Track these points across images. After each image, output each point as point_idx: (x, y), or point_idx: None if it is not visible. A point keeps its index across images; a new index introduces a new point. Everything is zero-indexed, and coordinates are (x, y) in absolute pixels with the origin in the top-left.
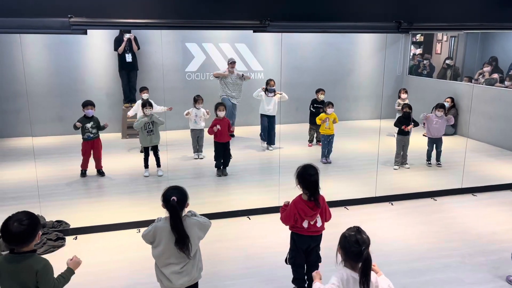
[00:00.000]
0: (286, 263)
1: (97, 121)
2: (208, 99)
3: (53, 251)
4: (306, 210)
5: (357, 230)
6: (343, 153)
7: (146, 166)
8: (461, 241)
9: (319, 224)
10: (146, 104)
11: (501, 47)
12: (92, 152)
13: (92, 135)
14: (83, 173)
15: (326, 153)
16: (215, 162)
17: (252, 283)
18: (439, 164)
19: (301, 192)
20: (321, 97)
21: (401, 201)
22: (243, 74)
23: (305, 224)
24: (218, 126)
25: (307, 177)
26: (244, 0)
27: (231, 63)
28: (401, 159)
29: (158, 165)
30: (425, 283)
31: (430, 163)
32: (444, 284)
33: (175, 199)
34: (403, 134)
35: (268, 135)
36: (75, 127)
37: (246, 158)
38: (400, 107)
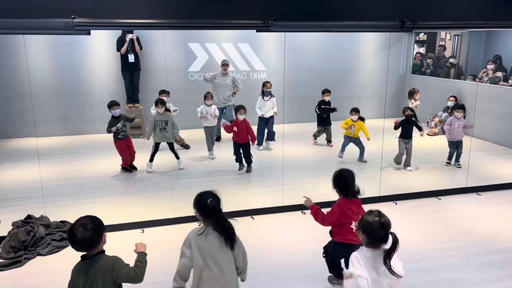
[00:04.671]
0: (323, 256)
1: (125, 117)
2: None
3: (57, 251)
4: (352, 207)
5: (379, 214)
6: (347, 152)
7: (151, 160)
8: (466, 240)
9: None
10: (158, 102)
11: (505, 46)
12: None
13: (125, 133)
14: (129, 169)
15: (344, 149)
16: (234, 157)
17: (257, 284)
18: (459, 165)
19: (339, 196)
20: (327, 98)
21: (405, 201)
22: (235, 84)
23: (353, 226)
24: (235, 128)
25: (342, 181)
26: (247, 0)
27: (224, 65)
28: (401, 159)
29: (177, 157)
30: (430, 283)
31: (449, 163)
32: (450, 284)
33: (212, 200)
34: (404, 138)
35: (268, 133)
36: (111, 131)
37: None
38: (411, 105)
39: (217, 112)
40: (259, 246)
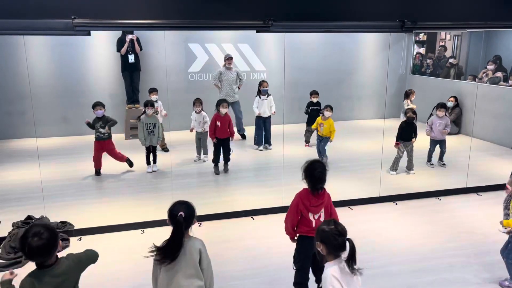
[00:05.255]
0: (294, 268)
1: (106, 120)
2: (211, 99)
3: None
4: (310, 199)
5: (335, 222)
6: (347, 152)
7: (148, 163)
8: (466, 240)
9: (322, 218)
10: (148, 104)
11: (505, 46)
12: (106, 152)
13: (102, 135)
14: (97, 172)
15: (322, 153)
16: (212, 157)
17: (257, 284)
18: (444, 164)
19: (306, 186)
20: (315, 99)
21: (405, 201)
22: (239, 77)
23: (311, 217)
24: (218, 123)
25: (312, 171)
26: (247, 0)
27: (228, 59)
28: (398, 165)
29: (154, 161)
30: (431, 283)
31: (432, 164)
32: (450, 284)
33: (182, 214)
34: (405, 140)
35: (265, 136)
36: (87, 124)
37: (249, 158)
38: (408, 106)
39: (207, 119)
40: (259, 247)
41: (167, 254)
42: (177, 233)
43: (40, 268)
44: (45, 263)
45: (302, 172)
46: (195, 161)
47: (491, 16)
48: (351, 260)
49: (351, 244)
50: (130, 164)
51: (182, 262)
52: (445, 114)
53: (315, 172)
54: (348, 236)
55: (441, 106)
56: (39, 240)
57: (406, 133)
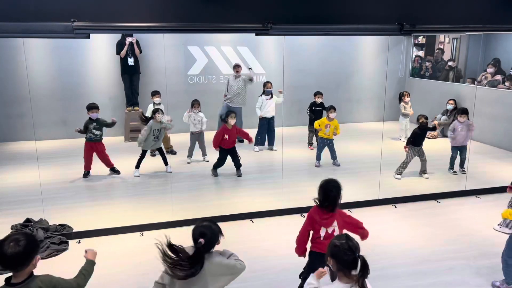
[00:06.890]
0: (300, 277)
1: (101, 123)
2: (211, 101)
3: (56, 255)
4: (321, 213)
5: (347, 237)
6: (346, 155)
7: (138, 166)
8: (465, 243)
9: (336, 233)
10: (158, 110)
11: (503, 49)
12: (96, 154)
13: (94, 137)
14: (86, 174)
15: (320, 157)
16: (215, 162)
17: (256, 287)
18: (464, 171)
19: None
20: (319, 100)
21: (404, 204)
22: (250, 79)
23: (322, 233)
24: (226, 136)
25: (327, 192)
26: (246, 3)
27: (236, 67)
28: (405, 169)
29: (166, 163)
30: (430, 285)
31: (455, 172)
32: (449, 287)
33: (202, 242)
34: (415, 145)
35: (269, 137)
36: (79, 131)
37: (248, 160)
38: (405, 110)
39: (205, 120)
40: (259, 249)
41: (187, 272)
42: (197, 257)
43: (7, 285)
44: (15, 275)
45: (318, 189)
46: (188, 163)
47: (490, 19)
48: (362, 277)
49: (362, 262)
50: (117, 171)
51: (200, 279)
52: (467, 118)
53: (330, 194)
54: (357, 246)
55: (462, 112)
56: (15, 247)
57: (418, 139)
